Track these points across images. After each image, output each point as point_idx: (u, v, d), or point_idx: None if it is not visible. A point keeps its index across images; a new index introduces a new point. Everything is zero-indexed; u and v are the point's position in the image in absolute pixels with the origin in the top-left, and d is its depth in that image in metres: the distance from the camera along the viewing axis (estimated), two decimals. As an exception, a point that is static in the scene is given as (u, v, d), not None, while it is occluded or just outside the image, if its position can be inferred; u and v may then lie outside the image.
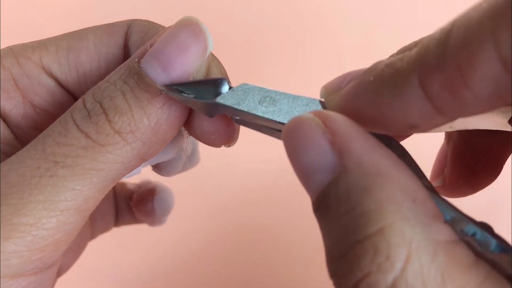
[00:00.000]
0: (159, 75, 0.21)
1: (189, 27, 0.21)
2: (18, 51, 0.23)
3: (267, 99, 0.20)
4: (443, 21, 0.16)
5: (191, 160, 0.29)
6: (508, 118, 0.21)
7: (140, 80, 0.20)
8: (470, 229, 0.16)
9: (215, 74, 0.22)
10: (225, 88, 0.21)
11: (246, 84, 0.21)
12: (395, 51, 0.19)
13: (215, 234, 0.47)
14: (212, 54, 0.22)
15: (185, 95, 0.21)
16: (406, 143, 0.21)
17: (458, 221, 0.17)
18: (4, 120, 0.23)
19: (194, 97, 0.21)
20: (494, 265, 0.15)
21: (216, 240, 0.47)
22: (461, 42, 0.15)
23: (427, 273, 0.14)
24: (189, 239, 0.47)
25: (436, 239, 0.15)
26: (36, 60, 0.23)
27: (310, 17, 0.57)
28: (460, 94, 0.15)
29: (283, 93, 0.20)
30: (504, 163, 0.26)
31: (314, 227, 0.17)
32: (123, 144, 0.20)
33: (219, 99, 0.20)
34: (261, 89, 0.21)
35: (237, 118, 0.21)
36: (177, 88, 0.21)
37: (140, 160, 0.21)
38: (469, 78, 0.15)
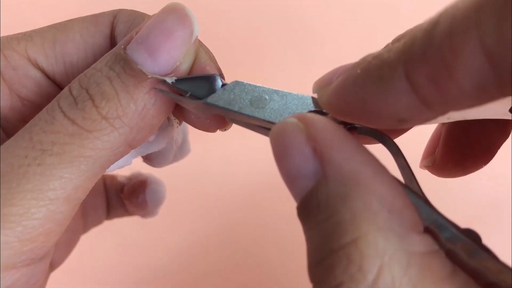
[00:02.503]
0: (146, 61, 0.20)
1: (175, 13, 0.21)
2: (3, 43, 0.23)
3: (259, 97, 0.20)
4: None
5: (182, 150, 0.29)
6: (509, 107, 0.21)
7: (126, 66, 0.20)
8: (453, 236, 0.16)
9: (204, 60, 0.22)
10: (218, 84, 0.21)
11: (238, 82, 0.21)
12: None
13: (215, 234, 0.47)
14: (200, 41, 0.22)
15: (177, 96, 0.21)
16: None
17: (441, 227, 0.16)
18: None
19: (186, 97, 0.21)
20: (476, 274, 0.15)
21: (216, 240, 0.47)
22: (446, 33, 0.14)
23: (398, 286, 0.14)
24: (189, 239, 0.47)
25: (410, 250, 0.15)
26: (22, 51, 0.23)
27: (311, 16, 0.57)
28: (445, 87, 0.15)
29: (275, 90, 0.20)
30: (497, 149, 0.26)
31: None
32: (110, 129, 0.20)
33: (210, 100, 0.20)
34: (253, 87, 0.21)
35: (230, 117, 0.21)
36: (169, 83, 0.21)
37: (128, 146, 0.21)
38: (454, 70, 0.14)
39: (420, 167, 0.28)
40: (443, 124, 0.27)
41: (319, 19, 0.57)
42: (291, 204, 0.17)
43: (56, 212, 0.20)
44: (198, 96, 0.21)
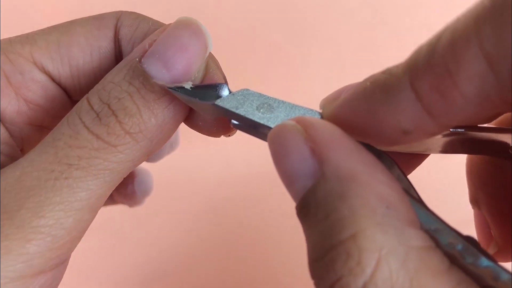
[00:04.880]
0: (163, 75, 0.21)
1: (190, 28, 0.22)
2: (7, 47, 0.23)
3: (265, 105, 0.21)
4: (443, 20, 0.17)
5: (172, 144, 0.30)
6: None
7: (146, 81, 0.21)
8: (455, 242, 0.16)
9: (212, 70, 0.23)
10: (224, 92, 0.22)
11: (247, 90, 0.22)
12: (395, 50, 0.20)
13: (215, 234, 0.48)
14: None
15: (188, 97, 0.22)
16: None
17: (443, 233, 0.16)
18: None
19: (196, 99, 0.21)
20: (474, 278, 0.16)
21: (216, 240, 0.48)
22: (448, 43, 0.15)
23: (396, 279, 0.15)
24: (189, 239, 0.47)
25: (408, 244, 0.15)
26: (27, 55, 0.23)
27: (311, 17, 0.57)
28: (449, 94, 0.15)
29: (282, 101, 0.21)
30: None
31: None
32: (133, 143, 0.21)
33: (219, 102, 0.21)
34: (261, 95, 0.21)
35: (235, 122, 0.22)
36: (178, 90, 0.21)
37: (146, 156, 0.22)
38: (457, 77, 0.15)
39: None
40: (480, 208, 0.27)
41: (319, 20, 0.57)
42: (292, 203, 0.18)
43: (81, 221, 0.21)
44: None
